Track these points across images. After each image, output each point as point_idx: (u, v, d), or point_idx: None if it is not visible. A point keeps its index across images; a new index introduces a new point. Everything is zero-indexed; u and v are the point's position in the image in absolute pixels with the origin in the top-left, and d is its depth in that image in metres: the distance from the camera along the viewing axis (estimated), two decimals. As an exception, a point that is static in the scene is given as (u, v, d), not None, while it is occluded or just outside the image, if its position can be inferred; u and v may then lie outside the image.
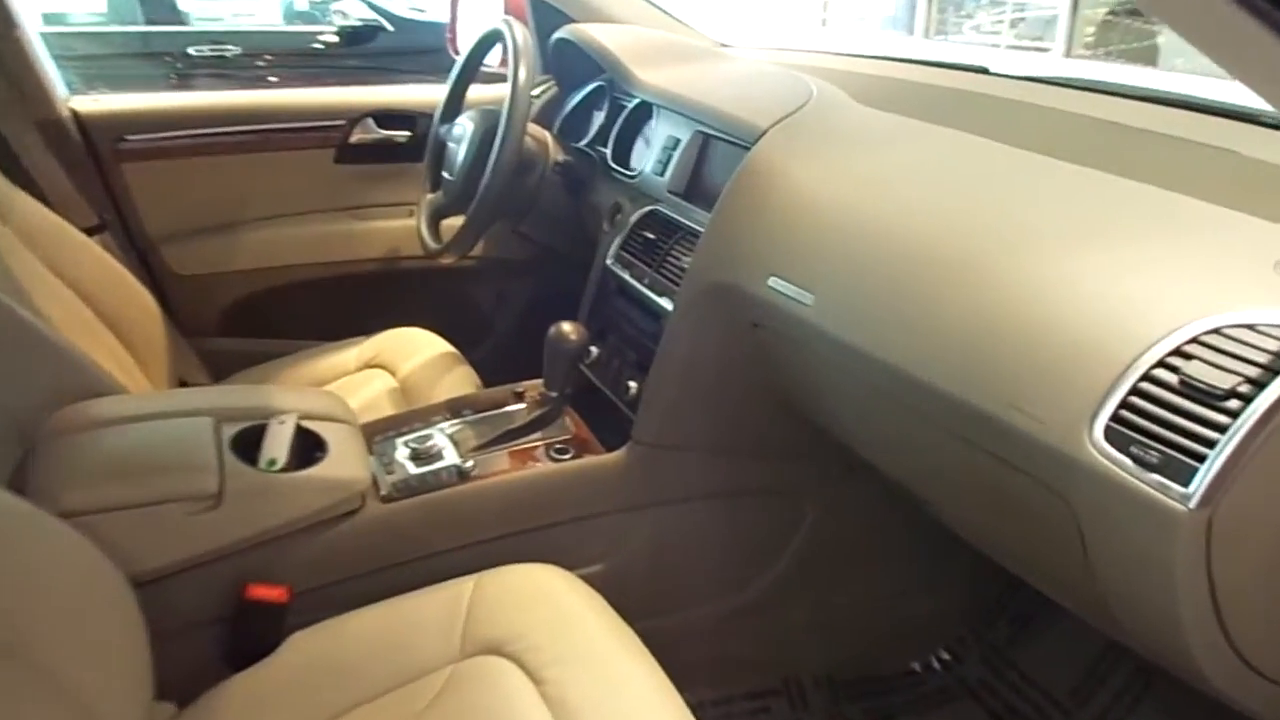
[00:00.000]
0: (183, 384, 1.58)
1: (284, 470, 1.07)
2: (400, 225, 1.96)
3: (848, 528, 1.41)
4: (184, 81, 4.15)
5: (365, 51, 4.61)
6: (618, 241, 1.46)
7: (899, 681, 1.50)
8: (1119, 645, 1.33)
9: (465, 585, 1.06)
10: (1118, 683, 1.34)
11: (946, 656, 1.52)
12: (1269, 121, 1.00)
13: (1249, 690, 0.74)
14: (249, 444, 1.08)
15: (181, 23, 4.41)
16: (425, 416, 1.34)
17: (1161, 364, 0.70)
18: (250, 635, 1.04)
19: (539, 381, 1.35)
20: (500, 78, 1.95)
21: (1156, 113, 1.08)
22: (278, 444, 1.09)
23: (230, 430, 1.09)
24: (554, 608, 1.03)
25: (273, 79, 4.41)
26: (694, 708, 0.91)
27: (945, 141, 1.12)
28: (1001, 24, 6.80)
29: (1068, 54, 5.93)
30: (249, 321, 1.92)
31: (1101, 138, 1.06)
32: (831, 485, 1.37)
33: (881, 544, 1.46)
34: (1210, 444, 0.65)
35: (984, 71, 1.42)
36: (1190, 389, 0.68)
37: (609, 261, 1.46)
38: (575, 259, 1.64)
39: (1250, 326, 0.68)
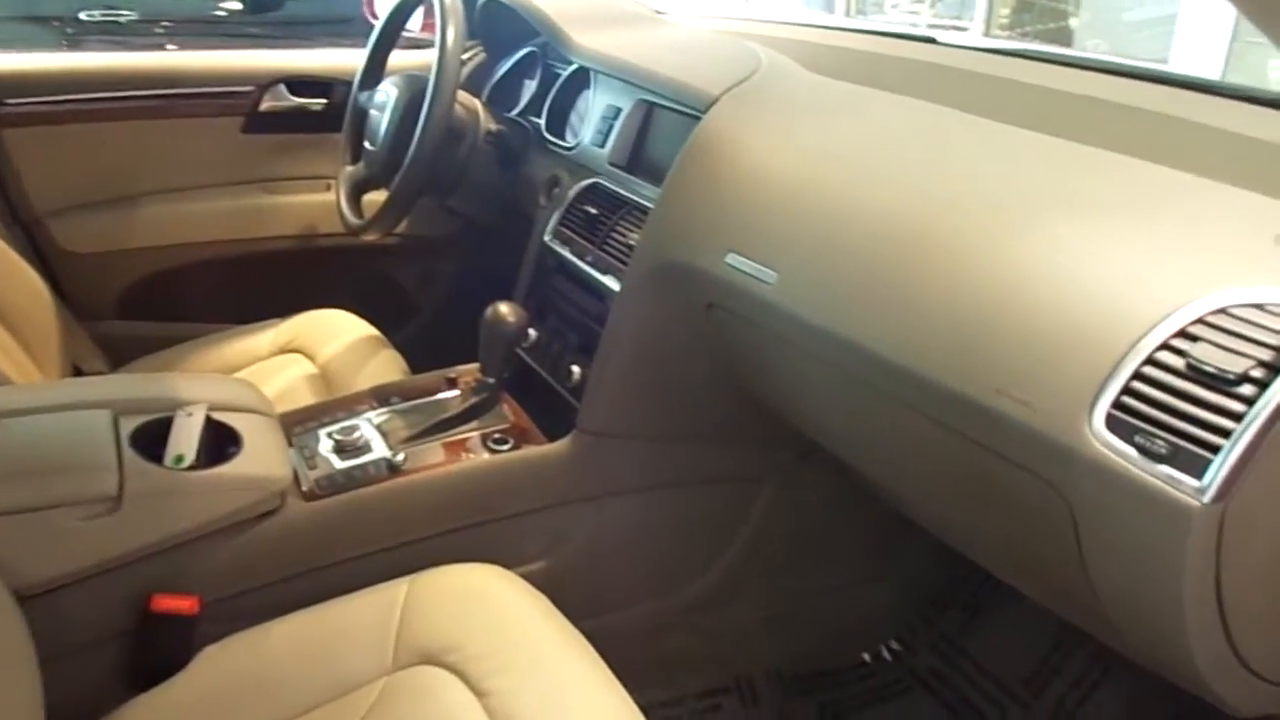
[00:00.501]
0: (77, 372, 1.47)
1: (193, 468, 0.98)
2: (316, 200, 1.86)
3: (799, 515, 1.38)
4: (74, 48, 3.89)
5: (272, 19, 4.41)
6: (556, 217, 1.39)
7: (850, 674, 1.47)
8: (1075, 631, 1.31)
9: (398, 589, 0.99)
10: (1074, 670, 1.32)
11: (897, 646, 1.50)
12: (1229, 93, 0.98)
13: (1245, 693, 0.71)
14: (152, 439, 0.99)
15: (71, -17, 4.15)
16: (350, 405, 1.26)
17: (1166, 346, 0.65)
18: (156, 651, 0.96)
19: (473, 366, 1.28)
20: (422, 44, 1.85)
21: (1113, 84, 1.05)
22: (185, 438, 1.00)
23: (131, 424, 0.99)
24: (495, 611, 0.97)
25: (171, 47, 4.17)
26: (644, 709, 0.87)
27: (907, 110, 1.07)
28: (921, 2, 6.90)
29: (986, 33, 6.04)
30: (150, 303, 1.80)
31: (1064, 109, 1.02)
32: (784, 472, 1.33)
33: (833, 532, 1.43)
34: (1225, 433, 0.61)
35: (931, 41, 1.37)
36: (1199, 374, 0.63)
37: (547, 238, 1.39)
38: (508, 236, 1.57)
39: (1259, 306, 0.64)
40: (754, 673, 1.43)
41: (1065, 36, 6.00)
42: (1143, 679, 1.13)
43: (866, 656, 1.50)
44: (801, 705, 1.42)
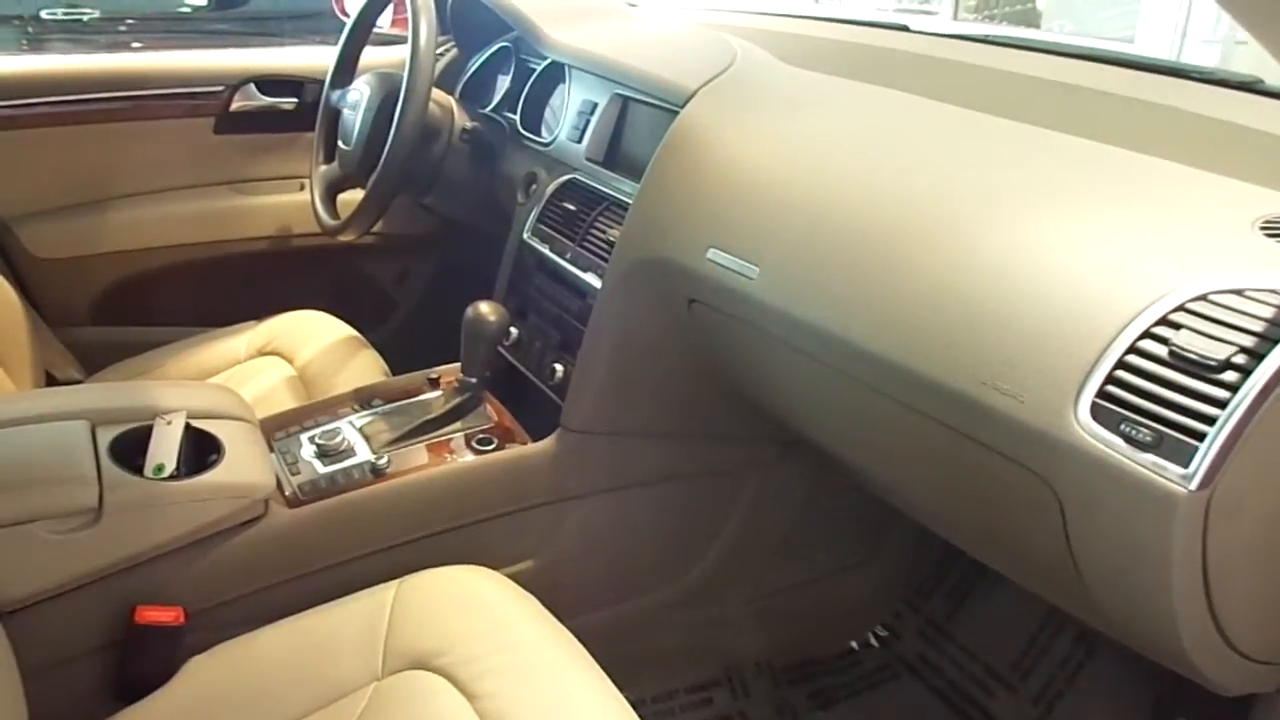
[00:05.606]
0: (50, 380, 1.44)
1: (174, 477, 0.96)
2: (290, 200, 1.84)
3: (784, 506, 1.38)
4: (36, 48, 3.82)
5: (238, 16, 4.36)
6: (534, 214, 1.38)
7: (838, 662, 1.48)
8: (1059, 613, 1.33)
9: (385, 593, 0.98)
10: (1060, 652, 1.33)
11: (884, 633, 1.51)
12: (1199, 76, 0.98)
13: (1230, 672, 0.71)
14: (131, 449, 0.97)
15: (32, -18, 4.08)
16: (331, 408, 1.24)
17: (1148, 335, 0.66)
18: (142, 663, 0.95)
19: (454, 366, 1.27)
20: (392, 40, 1.83)
21: (1086, 69, 1.05)
22: (165, 447, 0.98)
23: (109, 434, 0.98)
24: (484, 612, 0.96)
25: (136, 45, 4.11)
26: (635, 705, 0.86)
27: (884, 101, 1.07)
28: (889, -13, 6.90)
29: (955, 16, 6.05)
30: (123, 308, 1.77)
31: (1039, 96, 1.03)
32: (767, 464, 1.32)
33: (817, 522, 1.43)
34: (1209, 420, 0.61)
35: (904, 29, 1.37)
36: (1182, 361, 0.63)
37: (526, 235, 1.38)
38: (486, 233, 1.55)
39: (1238, 292, 0.65)
40: (743, 664, 1.43)
41: (1032, 18, 6.03)
42: (1128, 659, 1.14)
43: (854, 644, 1.51)
44: (791, 694, 1.42)
